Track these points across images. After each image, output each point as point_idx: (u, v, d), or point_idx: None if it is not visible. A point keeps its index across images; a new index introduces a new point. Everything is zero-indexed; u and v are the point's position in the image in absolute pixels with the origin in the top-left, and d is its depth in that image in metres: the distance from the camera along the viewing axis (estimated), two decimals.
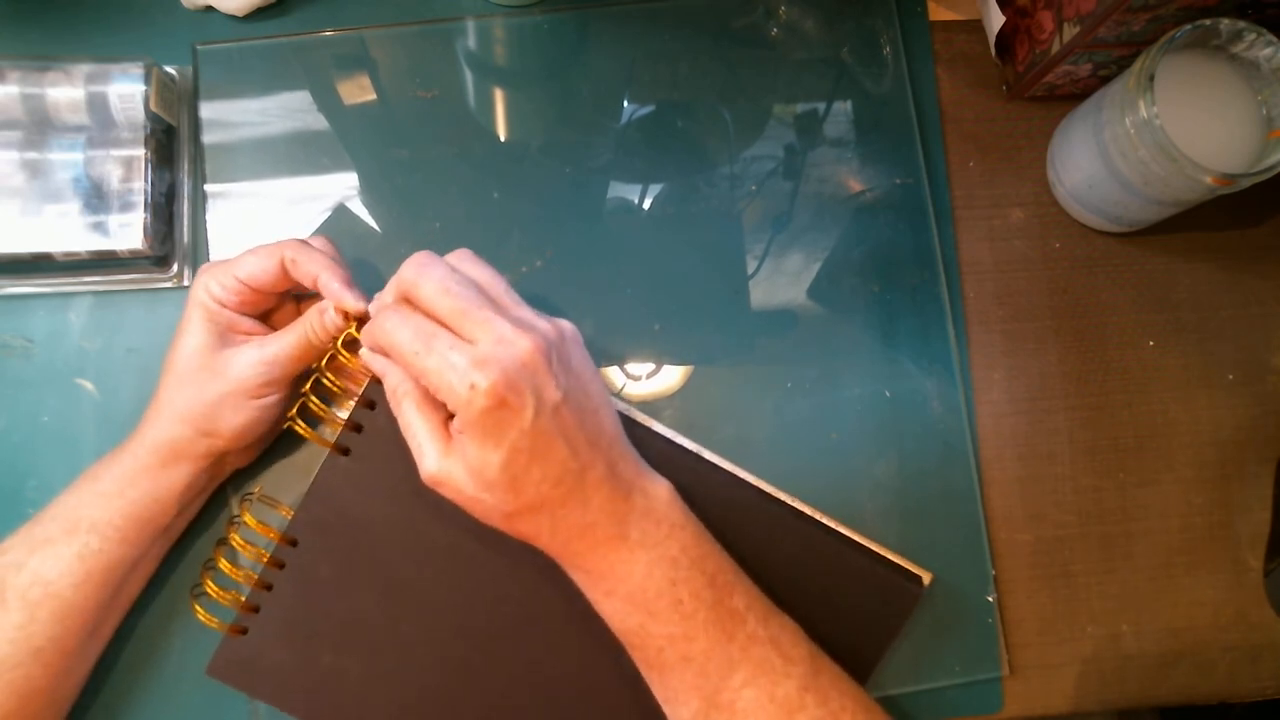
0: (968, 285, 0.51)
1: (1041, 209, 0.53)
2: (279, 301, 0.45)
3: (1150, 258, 0.52)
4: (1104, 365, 0.51)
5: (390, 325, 0.36)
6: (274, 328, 0.44)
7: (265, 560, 0.42)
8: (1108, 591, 0.49)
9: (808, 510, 0.45)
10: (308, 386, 0.42)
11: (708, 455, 0.45)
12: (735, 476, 0.45)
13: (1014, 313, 0.51)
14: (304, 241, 0.42)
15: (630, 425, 0.43)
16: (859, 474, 0.48)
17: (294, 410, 0.42)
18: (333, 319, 0.41)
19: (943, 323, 0.50)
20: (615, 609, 0.38)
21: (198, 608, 0.42)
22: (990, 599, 0.47)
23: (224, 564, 0.42)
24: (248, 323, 0.42)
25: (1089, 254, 0.52)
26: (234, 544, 0.43)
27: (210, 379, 0.41)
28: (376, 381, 0.40)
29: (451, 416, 0.37)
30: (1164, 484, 0.50)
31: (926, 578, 0.45)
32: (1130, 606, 0.48)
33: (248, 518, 0.42)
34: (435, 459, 0.36)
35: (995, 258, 0.52)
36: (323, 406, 0.42)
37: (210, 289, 0.41)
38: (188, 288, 0.48)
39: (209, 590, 0.42)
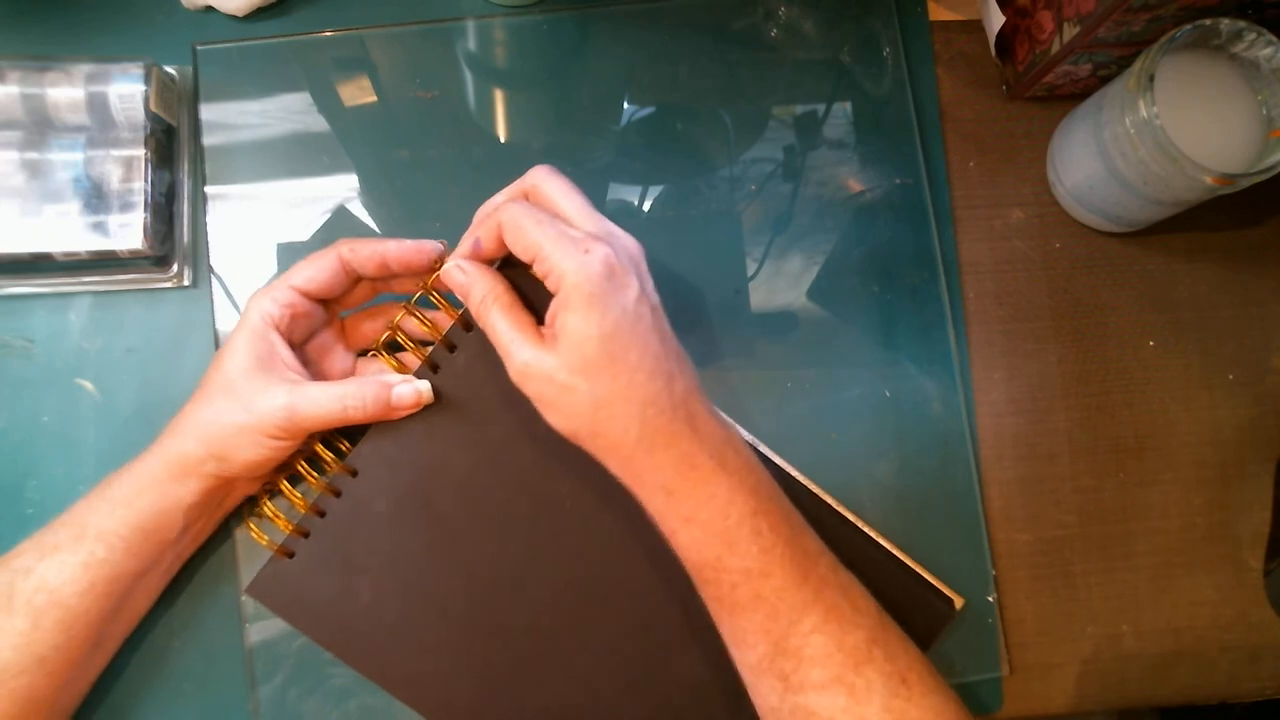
0: (968, 285, 0.51)
1: (1041, 209, 0.53)
2: (333, 319, 0.45)
3: (1150, 258, 0.52)
4: (1104, 365, 0.51)
5: (511, 208, 0.38)
6: (321, 371, 0.44)
7: (323, 487, 0.43)
8: (1108, 591, 0.49)
9: (850, 516, 0.46)
10: (398, 319, 0.43)
11: (761, 447, 0.46)
12: (782, 469, 0.46)
13: (1014, 313, 0.51)
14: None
15: None
16: (859, 474, 0.48)
17: (382, 340, 0.43)
18: (377, 396, 0.41)
19: (943, 323, 0.50)
20: (693, 538, 0.37)
21: (251, 525, 0.43)
22: (990, 599, 0.47)
23: (284, 485, 0.43)
24: (289, 356, 0.41)
25: (1089, 254, 0.52)
26: (298, 468, 0.43)
27: (233, 406, 0.40)
28: (460, 325, 0.43)
29: (539, 324, 0.39)
30: (1164, 484, 0.50)
31: (959, 602, 0.45)
32: (1130, 606, 0.48)
33: (317, 446, 0.43)
34: (528, 349, 0.37)
35: (995, 258, 0.52)
36: (413, 345, 0.43)
37: (263, 306, 0.41)
38: (188, 288, 0.48)
39: (264, 509, 0.43)
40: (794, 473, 0.46)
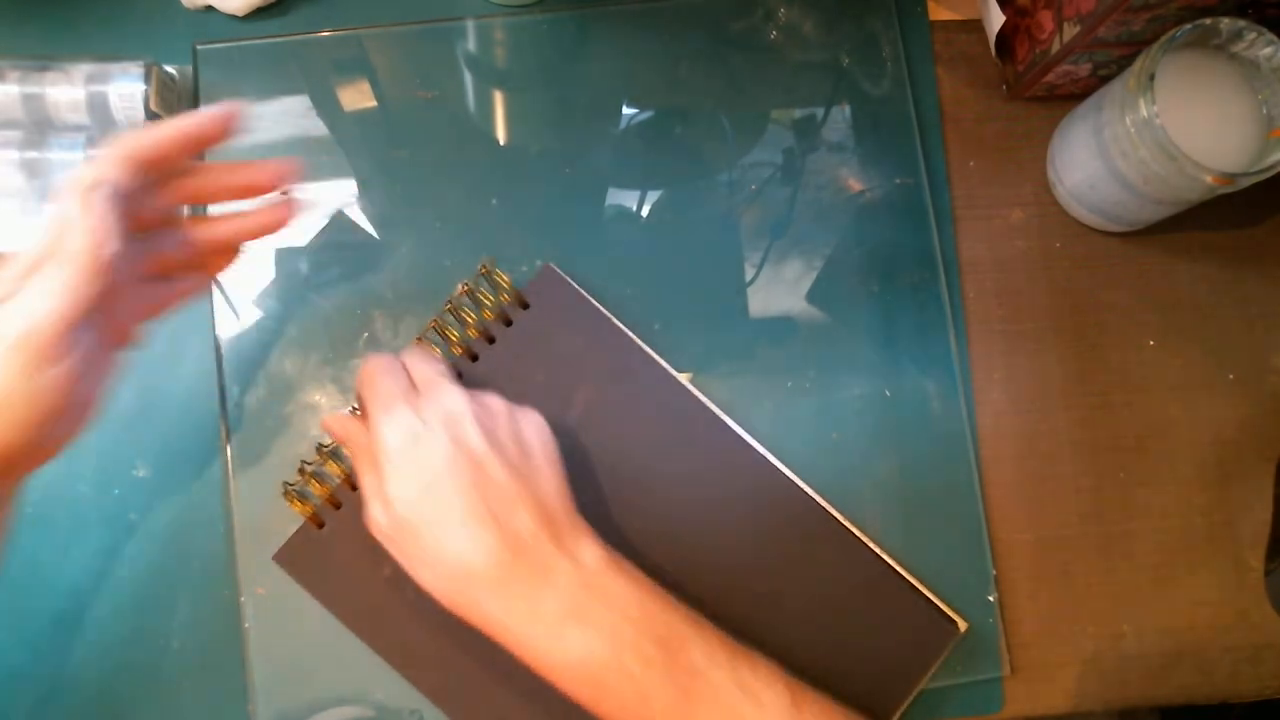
0: (968, 285, 0.51)
1: (1041, 209, 0.53)
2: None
3: (1150, 258, 0.52)
4: (1104, 365, 0.51)
5: (371, 361, 0.41)
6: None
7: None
8: (1108, 591, 0.48)
9: (856, 531, 0.46)
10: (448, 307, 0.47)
11: (770, 457, 0.47)
12: (797, 487, 0.46)
13: (1014, 313, 0.51)
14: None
15: (699, 415, 0.47)
16: (859, 474, 0.48)
17: (432, 323, 0.46)
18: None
19: (943, 323, 0.50)
20: (560, 682, 0.37)
21: (290, 494, 0.44)
22: (990, 599, 0.47)
23: (326, 460, 0.44)
24: None
25: (1089, 254, 0.52)
26: (335, 441, 0.44)
27: None
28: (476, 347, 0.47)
29: None
30: (1164, 484, 0.50)
31: (963, 625, 0.45)
32: (1131, 606, 0.48)
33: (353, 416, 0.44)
34: (373, 509, 0.39)
35: (995, 258, 0.52)
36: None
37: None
38: None
39: (301, 474, 0.44)
40: (802, 484, 0.46)
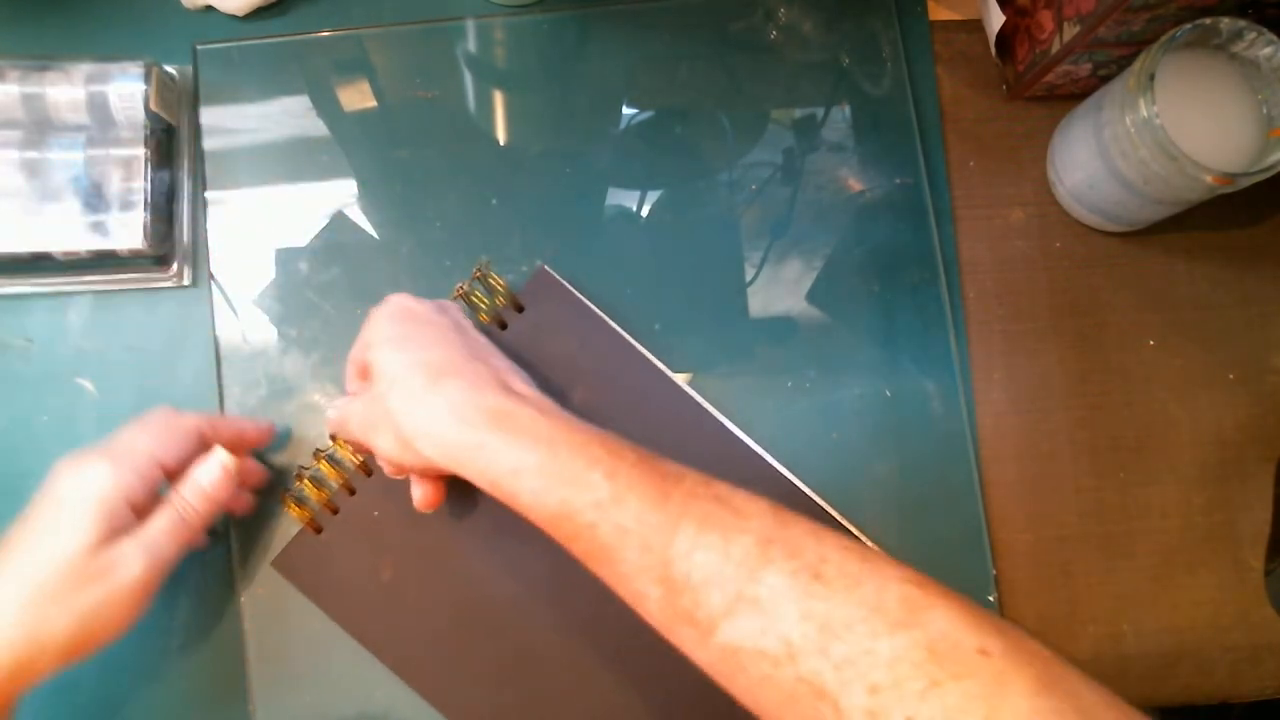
0: (968, 285, 0.51)
1: (1041, 209, 0.53)
2: None
3: (1150, 258, 0.52)
4: (1104, 365, 0.51)
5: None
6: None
7: (357, 464, 0.44)
8: (1108, 591, 0.48)
9: (861, 535, 0.46)
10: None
11: (767, 457, 0.47)
12: (797, 488, 0.47)
13: (1014, 313, 0.51)
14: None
15: (695, 416, 0.47)
16: (859, 474, 0.48)
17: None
18: (212, 477, 0.40)
19: (943, 323, 0.50)
20: (530, 490, 0.34)
21: (288, 500, 0.44)
22: (991, 599, 0.47)
23: (323, 464, 0.44)
24: (133, 521, 0.38)
25: (1089, 254, 0.52)
26: (336, 445, 0.44)
27: (81, 583, 0.35)
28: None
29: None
30: (1164, 484, 0.50)
31: None
32: (1131, 606, 0.48)
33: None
34: (351, 405, 0.40)
35: (995, 258, 0.52)
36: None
37: (124, 483, 0.37)
38: (188, 287, 0.48)
39: (299, 483, 0.44)
40: (802, 485, 0.46)
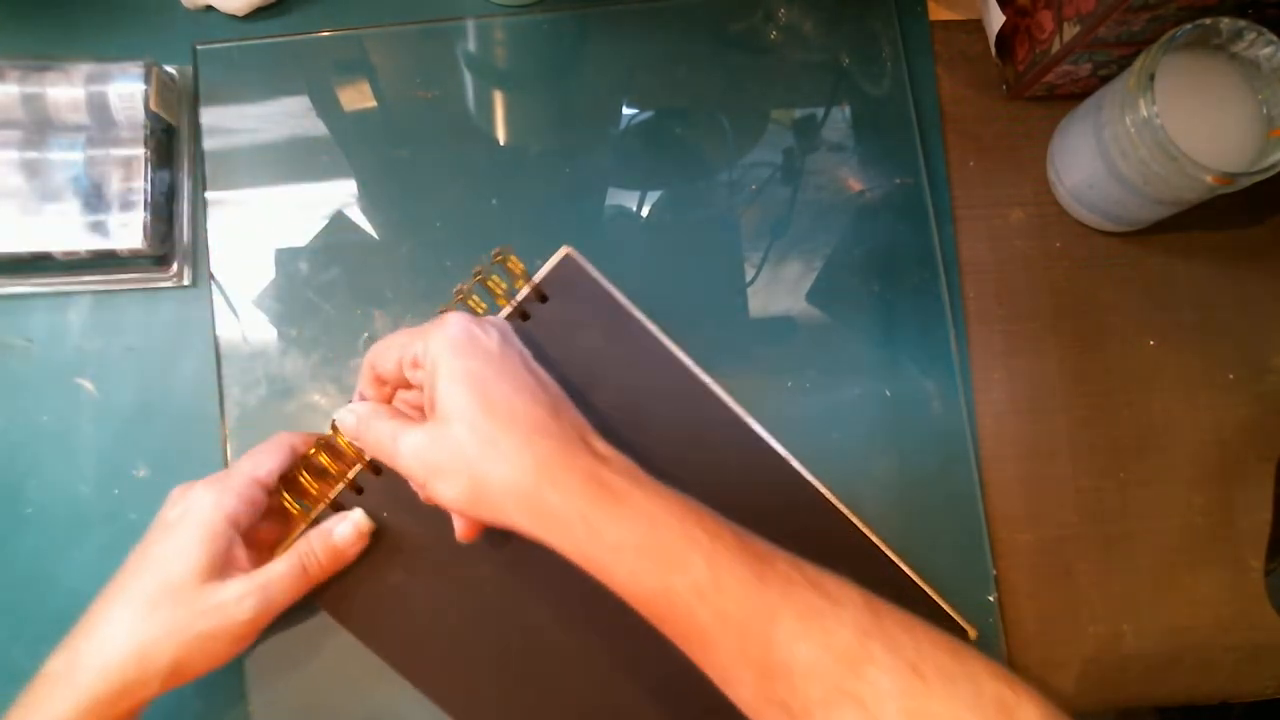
0: (968, 285, 0.51)
1: (1041, 209, 0.53)
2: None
3: (1150, 257, 0.52)
4: (1104, 365, 0.51)
5: (372, 347, 0.39)
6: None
7: (363, 463, 0.43)
8: (1108, 591, 0.48)
9: (874, 538, 0.45)
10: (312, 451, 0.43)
11: (793, 461, 0.46)
12: (819, 491, 0.46)
13: (1014, 313, 0.51)
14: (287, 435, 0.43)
15: (721, 415, 0.45)
16: (859, 474, 0.48)
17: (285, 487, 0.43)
18: (343, 536, 0.41)
19: (943, 323, 0.50)
20: (629, 569, 0.33)
21: (286, 496, 0.42)
22: (991, 599, 0.47)
23: (324, 459, 0.43)
24: (243, 550, 0.40)
25: (1089, 254, 0.52)
26: (339, 443, 0.43)
27: (192, 615, 0.36)
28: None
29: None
30: (1164, 484, 0.50)
31: (972, 632, 0.45)
32: (1131, 606, 0.48)
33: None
34: (407, 436, 0.35)
35: (995, 258, 0.52)
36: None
37: (226, 504, 0.38)
38: (188, 287, 0.48)
39: (302, 480, 0.43)
40: (823, 488, 0.46)
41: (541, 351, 0.40)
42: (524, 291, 0.44)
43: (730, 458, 0.46)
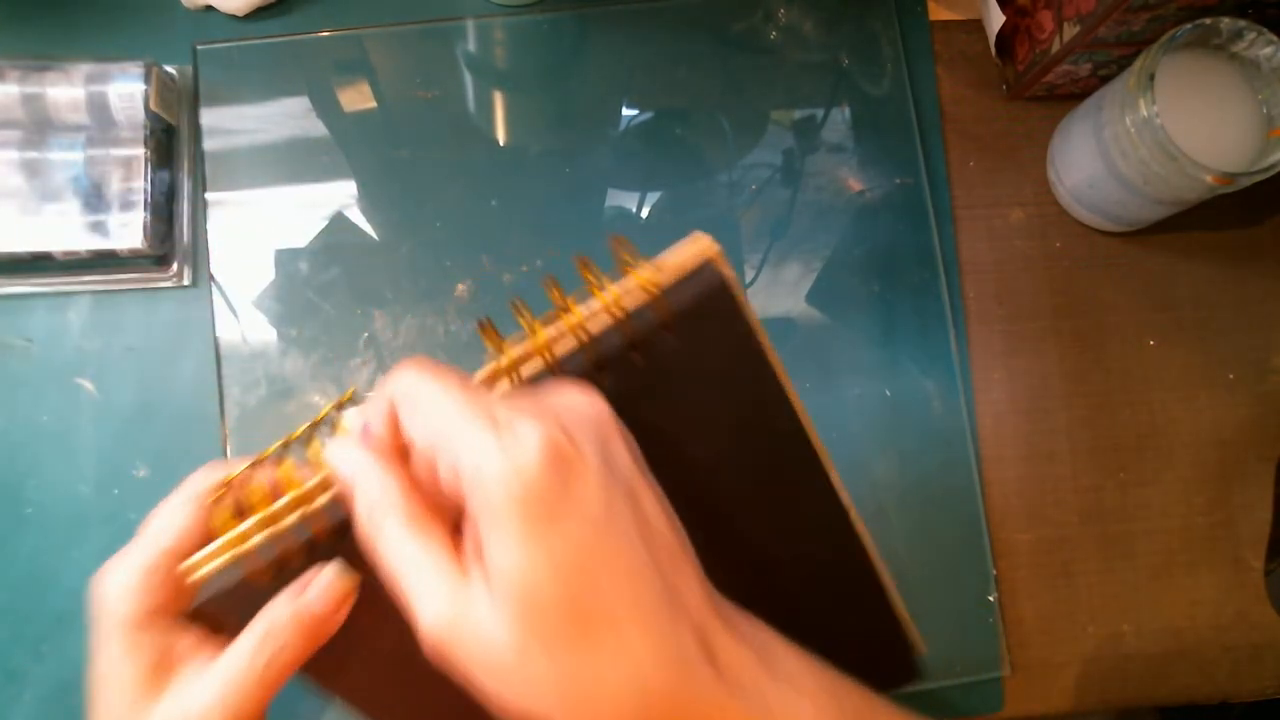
0: (968, 285, 0.51)
1: (1041, 209, 0.53)
2: None
3: (1150, 257, 0.52)
4: (1104, 365, 0.51)
5: (406, 375, 0.26)
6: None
7: (318, 528, 0.37)
8: (1108, 591, 0.48)
9: (867, 541, 0.39)
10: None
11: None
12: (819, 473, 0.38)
13: (1014, 313, 0.51)
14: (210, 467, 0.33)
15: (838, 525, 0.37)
16: (859, 474, 0.48)
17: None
18: (318, 596, 0.29)
19: (943, 323, 0.50)
20: None
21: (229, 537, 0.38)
22: (991, 599, 0.47)
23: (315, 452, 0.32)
24: (187, 636, 0.31)
25: (1089, 254, 0.52)
26: (309, 454, 0.34)
27: None
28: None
29: (458, 532, 0.26)
30: (1164, 484, 0.50)
31: (921, 649, 0.40)
32: (1131, 606, 0.48)
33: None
34: (443, 598, 0.24)
35: (995, 258, 0.52)
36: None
37: (139, 601, 0.30)
38: (188, 287, 0.48)
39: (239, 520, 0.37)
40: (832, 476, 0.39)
41: (636, 419, 0.27)
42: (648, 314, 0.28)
43: (815, 550, 0.38)
